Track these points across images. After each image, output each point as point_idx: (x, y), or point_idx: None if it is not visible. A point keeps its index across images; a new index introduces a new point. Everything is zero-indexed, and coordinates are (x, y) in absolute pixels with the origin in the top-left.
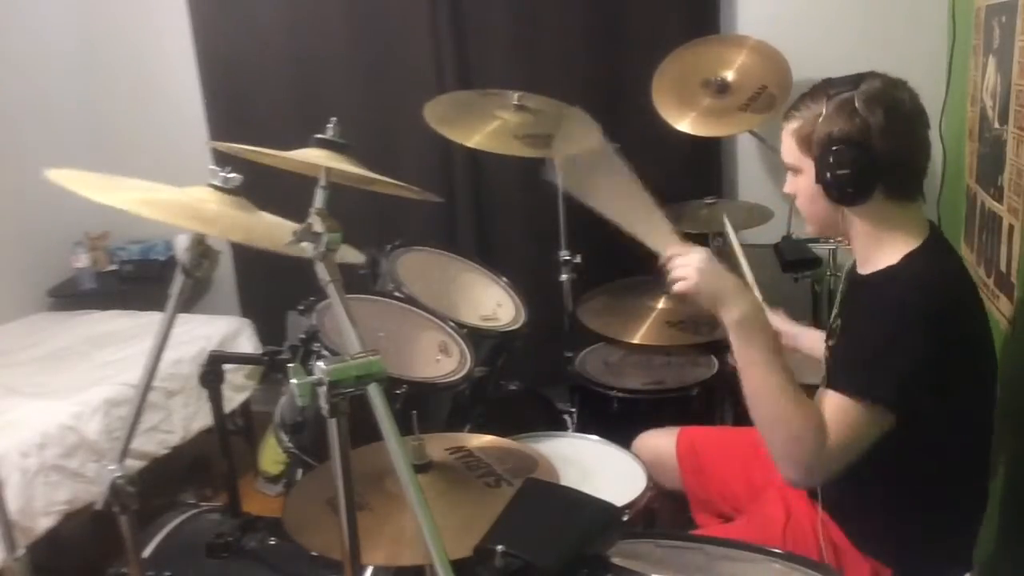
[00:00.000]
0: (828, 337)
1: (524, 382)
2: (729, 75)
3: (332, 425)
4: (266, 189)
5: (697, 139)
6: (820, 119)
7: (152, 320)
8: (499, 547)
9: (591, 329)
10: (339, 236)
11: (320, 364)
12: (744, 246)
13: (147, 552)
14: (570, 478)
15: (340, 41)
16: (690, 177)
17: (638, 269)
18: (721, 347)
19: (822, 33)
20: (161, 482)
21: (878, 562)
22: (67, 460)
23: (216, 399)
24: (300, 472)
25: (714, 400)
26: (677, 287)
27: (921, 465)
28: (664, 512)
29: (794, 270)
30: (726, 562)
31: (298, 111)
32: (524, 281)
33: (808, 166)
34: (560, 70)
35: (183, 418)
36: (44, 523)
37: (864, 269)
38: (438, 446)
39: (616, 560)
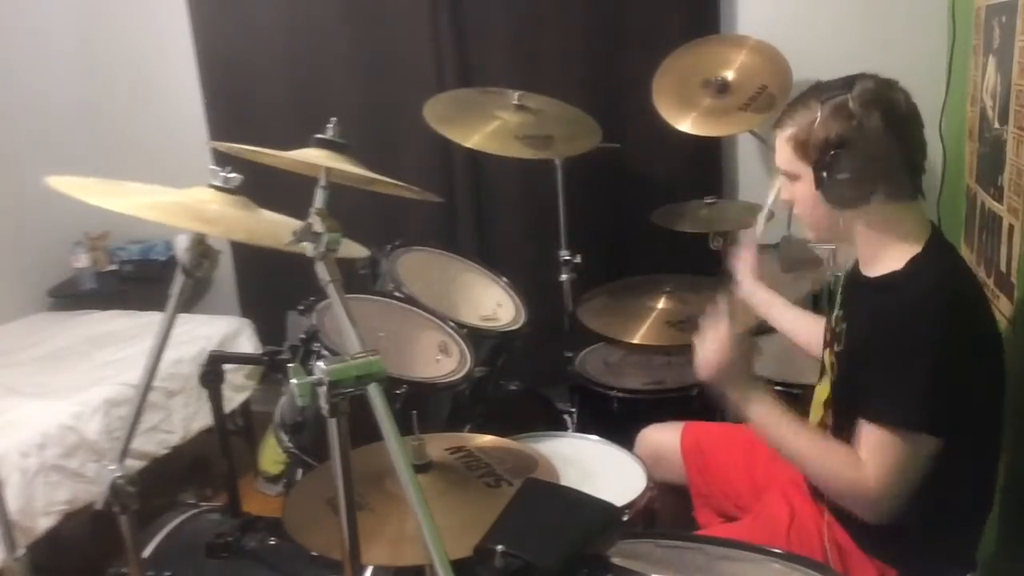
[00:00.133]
0: (831, 340)
1: (524, 382)
2: (729, 75)
3: (332, 425)
4: (266, 189)
5: (697, 139)
6: (815, 123)
7: (152, 320)
8: (499, 547)
9: (591, 329)
10: (339, 236)
11: (320, 364)
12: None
13: (147, 552)
14: (570, 478)
15: (340, 41)
16: (690, 177)
17: (638, 269)
18: None
19: (822, 33)
20: (161, 482)
21: (883, 563)
22: (67, 460)
23: (216, 399)
24: (300, 472)
25: (714, 400)
26: (699, 374)
27: None
28: (666, 508)
29: (794, 270)
30: (726, 562)
31: (298, 111)
32: (524, 281)
33: (806, 172)
34: (560, 70)
35: (183, 418)
36: (44, 523)
37: (868, 271)
38: (438, 446)
39: (616, 560)
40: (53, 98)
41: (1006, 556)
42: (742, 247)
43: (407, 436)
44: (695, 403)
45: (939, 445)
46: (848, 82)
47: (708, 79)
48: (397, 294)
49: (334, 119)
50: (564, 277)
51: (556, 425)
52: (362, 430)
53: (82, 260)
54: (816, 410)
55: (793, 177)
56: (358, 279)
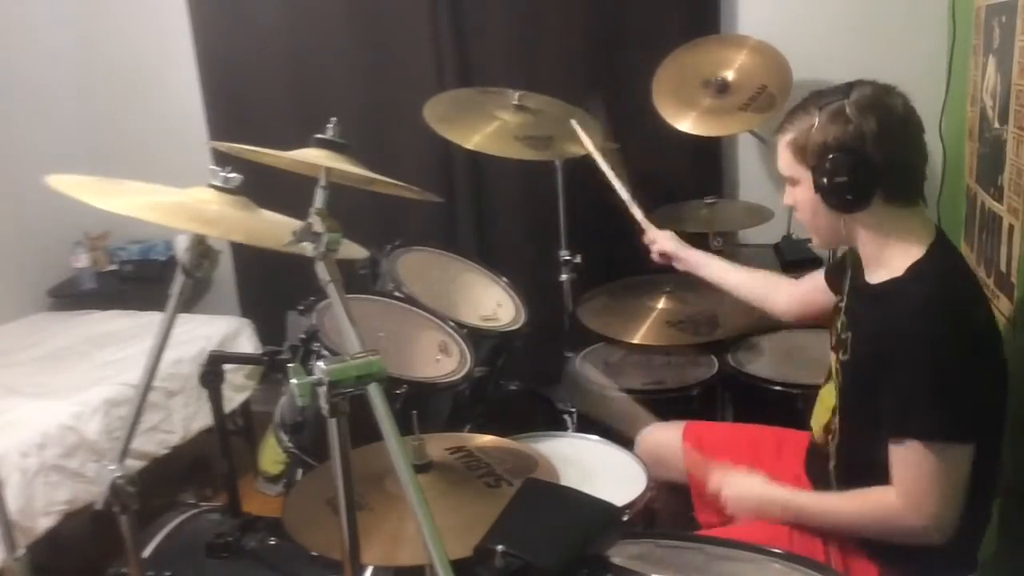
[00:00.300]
0: (837, 347)
1: (524, 382)
2: (729, 75)
3: (332, 425)
4: (266, 189)
5: (697, 139)
6: (813, 129)
7: (152, 320)
8: (499, 547)
9: (591, 329)
10: (339, 236)
11: (320, 364)
12: (744, 246)
13: (147, 552)
14: (570, 478)
15: (340, 41)
16: (690, 177)
17: (638, 269)
18: (721, 347)
19: (822, 33)
20: (161, 482)
21: (884, 565)
22: (67, 460)
23: (216, 399)
24: (300, 472)
25: (714, 400)
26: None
27: None
28: (666, 508)
29: (794, 270)
30: (726, 562)
31: (298, 111)
32: (524, 281)
33: (805, 176)
34: (560, 70)
35: (183, 418)
36: (44, 523)
37: (871, 277)
38: (438, 446)
39: (616, 560)
40: (53, 98)
41: (1006, 556)
42: (646, 234)
43: (407, 436)
44: (695, 403)
45: (968, 451)
46: (846, 89)
47: (708, 79)
48: (397, 294)
49: (334, 119)
50: (564, 277)
51: (556, 425)
52: (362, 430)
53: (82, 260)
54: (823, 414)
55: (794, 182)
56: (358, 279)
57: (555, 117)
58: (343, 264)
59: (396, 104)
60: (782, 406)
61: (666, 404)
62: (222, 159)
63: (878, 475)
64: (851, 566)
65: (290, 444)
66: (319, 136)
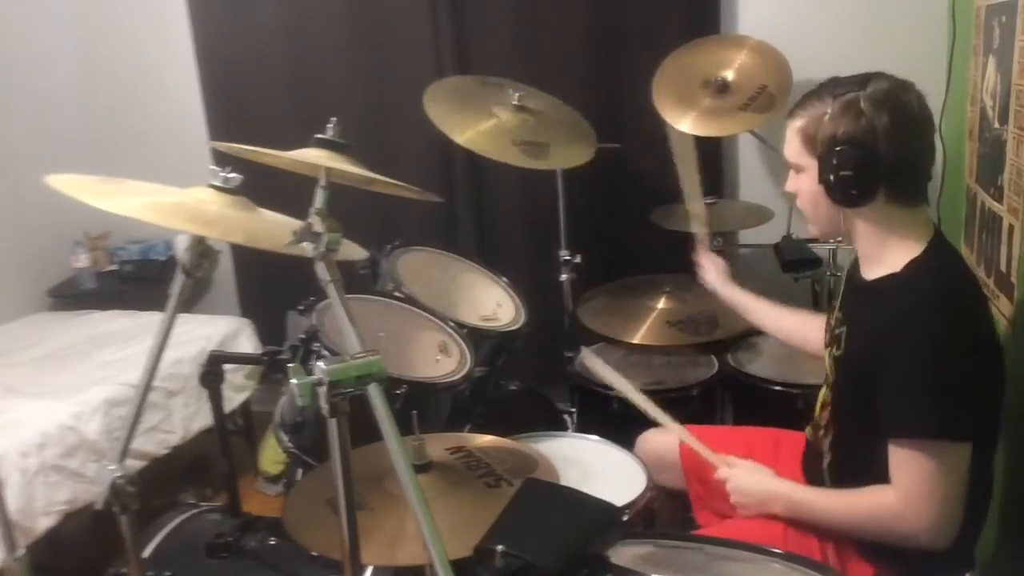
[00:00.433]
0: (831, 343)
1: (524, 382)
2: (729, 75)
3: (332, 425)
4: (266, 189)
5: (697, 139)
6: (825, 118)
7: (152, 320)
8: (499, 547)
9: (591, 329)
10: (339, 236)
11: (320, 364)
12: (744, 246)
13: (147, 552)
14: (570, 478)
15: (340, 41)
16: None
17: (638, 269)
18: (721, 347)
19: (822, 33)
20: (161, 482)
21: (880, 565)
22: (67, 460)
23: (216, 399)
24: (300, 472)
25: (714, 400)
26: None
27: None
28: (664, 512)
29: (794, 270)
30: (726, 562)
31: (298, 111)
32: (524, 281)
33: (811, 165)
34: (560, 70)
35: (183, 418)
36: (44, 523)
37: (867, 273)
38: (438, 446)
39: (616, 560)
40: (53, 97)
41: (1005, 556)
42: (699, 256)
43: (407, 436)
44: (695, 403)
45: (966, 450)
46: (863, 80)
47: (708, 79)
48: (397, 294)
49: (334, 119)
50: (564, 277)
51: (556, 425)
52: (362, 430)
53: (82, 260)
54: (819, 412)
55: (799, 169)
56: (358, 279)
57: (555, 121)
58: (343, 264)
59: (396, 104)
60: (782, 406)
61: (666, 404)
62: (222, 159)
63: (872, 472)
64: (847, 565)
65: (290, 444)
66: (319, 136)
